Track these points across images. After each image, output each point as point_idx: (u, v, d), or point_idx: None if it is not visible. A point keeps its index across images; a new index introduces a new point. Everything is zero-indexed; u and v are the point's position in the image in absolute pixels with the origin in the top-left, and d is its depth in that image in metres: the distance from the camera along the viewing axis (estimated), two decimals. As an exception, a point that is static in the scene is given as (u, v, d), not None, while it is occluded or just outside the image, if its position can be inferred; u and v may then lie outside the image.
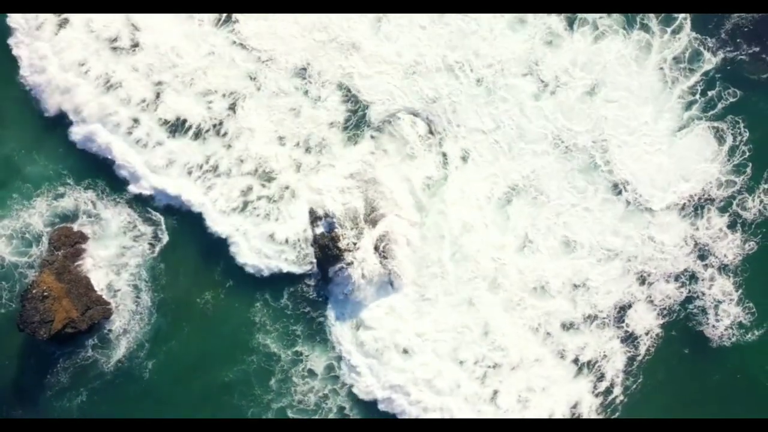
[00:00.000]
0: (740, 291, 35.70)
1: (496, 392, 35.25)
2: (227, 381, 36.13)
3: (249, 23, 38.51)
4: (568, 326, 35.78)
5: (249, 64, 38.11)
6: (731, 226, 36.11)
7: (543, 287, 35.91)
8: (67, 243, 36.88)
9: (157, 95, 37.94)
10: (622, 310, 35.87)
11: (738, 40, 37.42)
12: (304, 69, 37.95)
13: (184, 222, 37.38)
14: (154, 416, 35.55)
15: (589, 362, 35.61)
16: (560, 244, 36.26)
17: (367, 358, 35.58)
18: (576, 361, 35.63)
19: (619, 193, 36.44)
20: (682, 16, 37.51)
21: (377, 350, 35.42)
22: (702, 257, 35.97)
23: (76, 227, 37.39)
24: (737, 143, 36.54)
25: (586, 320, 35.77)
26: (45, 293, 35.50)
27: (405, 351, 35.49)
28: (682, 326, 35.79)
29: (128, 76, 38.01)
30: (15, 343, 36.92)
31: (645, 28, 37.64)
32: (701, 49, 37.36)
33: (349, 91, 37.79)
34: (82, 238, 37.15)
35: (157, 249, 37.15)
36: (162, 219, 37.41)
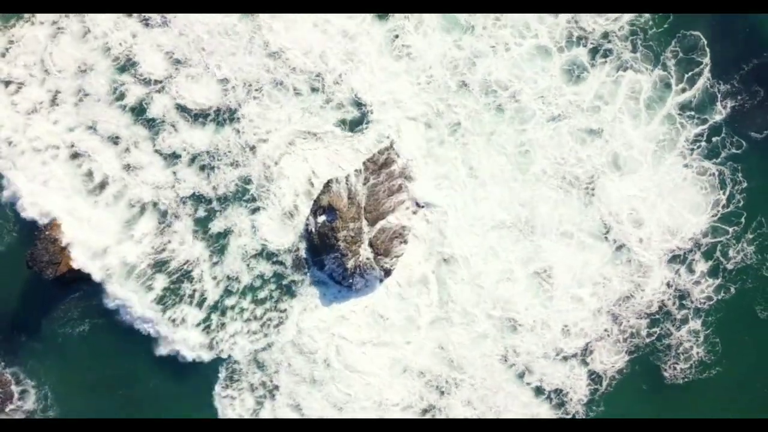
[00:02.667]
0: (708, 330, 36.34)
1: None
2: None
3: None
4: (534, 356, 36.68)
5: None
6: (712, 272, 36.65)
7: (513, 324, 36.79)
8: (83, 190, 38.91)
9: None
10: (589, 345, 36.61)
11: (755, 88, 37.84)
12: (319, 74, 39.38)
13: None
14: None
15: (552, 390, 36.47)
16: (539, 278, 37.03)
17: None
18: (539, 389, 36.54)
19: (607, 233, 37.05)
20: (705, 60, 37.97)
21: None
22: (679, 298, 36.62)
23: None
24: (734, 192, 37.02)
25: (551, 353, 36.61)
26: (55, 237, 37.39)
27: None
28: (646, 361, 36.55)
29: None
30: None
31: (665, 67, 38.21)
32: (716, 92, 37.72)
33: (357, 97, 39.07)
34: (98, 191, 39.04)
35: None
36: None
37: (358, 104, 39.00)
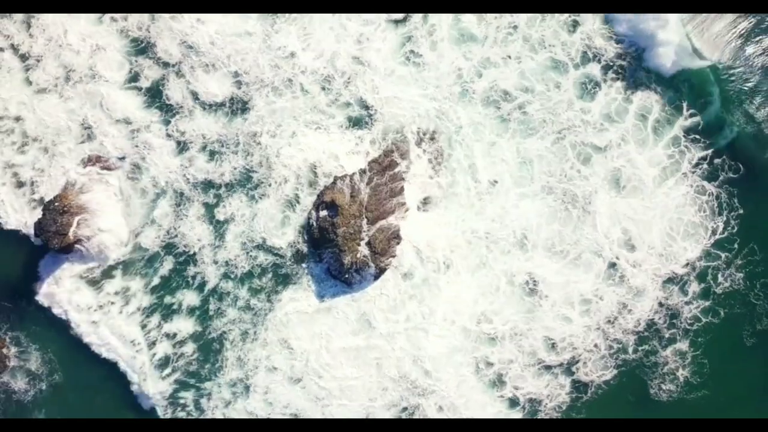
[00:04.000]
0: (696, 352, 36.47)
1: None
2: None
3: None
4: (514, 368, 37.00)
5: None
6: (703, 295, 36.80)
7: (494, 336, 37.18)
8: (94, 168, 39.65)
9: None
10: (576, 358, 36.86)
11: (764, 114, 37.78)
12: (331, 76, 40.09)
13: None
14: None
15: (527, 400, 36.87)
16: (527, 292, 37.40)
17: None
18: (515, 399, 36.88)
19: (601, 252, 37.26)
20: (717, 91, 37.92)
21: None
22: (669, 317, 36.82)
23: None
24: (729, 217, 37.06)
25: (534, 364, 36.98)
26: (65, 208, 38.40)
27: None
28: (633, 374, 36.74)
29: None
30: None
31: (677, 90, 38.29)
32: (726, 116, 37.75)
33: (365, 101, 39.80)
34: (107, 169, 39.84)
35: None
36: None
37: (365, 106, 39.67)
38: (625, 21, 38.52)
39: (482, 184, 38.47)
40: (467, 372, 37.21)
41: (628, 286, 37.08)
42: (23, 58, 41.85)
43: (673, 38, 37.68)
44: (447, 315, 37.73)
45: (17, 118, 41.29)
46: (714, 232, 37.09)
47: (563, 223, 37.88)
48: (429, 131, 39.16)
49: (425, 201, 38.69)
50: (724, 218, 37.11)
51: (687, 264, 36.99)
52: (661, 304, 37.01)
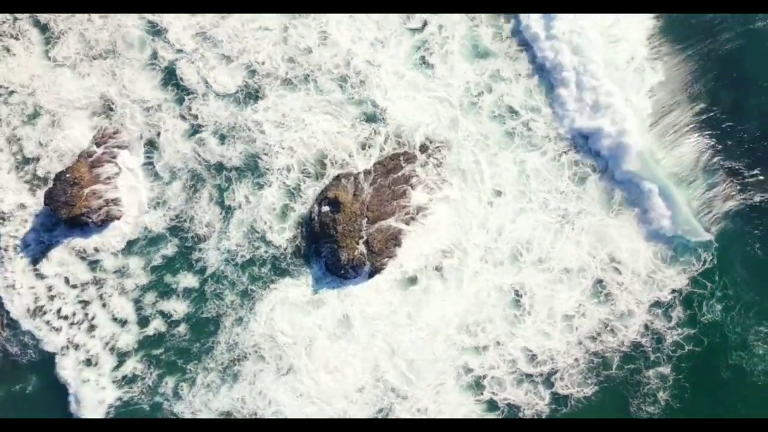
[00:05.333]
0: (679, 376, 36.60)
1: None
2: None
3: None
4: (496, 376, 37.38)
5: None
6: (688, 323, 37.09)
7: (477, 346, 37.59)
8: (108, 143, 40.72)
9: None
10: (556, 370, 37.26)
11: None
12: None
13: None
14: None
15: (508, 404, 37.07)
16: (513, 303, 37.96)
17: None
18: (494, 403, 37.05)
19: (590, 272, 37.92)
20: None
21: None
22: (656, 340, 37.09)
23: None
24: (713, 251, 37.64)
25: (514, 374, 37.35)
26: (76, 180, 39.48)
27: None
28: (616, 390, 36.79)
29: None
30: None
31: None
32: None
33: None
34: (120, 146, 40.92)
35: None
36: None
37: (376, 106, 40.97)
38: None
39: (485, 195, 39.46)
40: (448, 378, 37.65)
41: (612, 308, 37.64)
42: (44, 31, 42.97)
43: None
44: (433, 321, 38.32)
45: (31, 93, 42.65)
46: (700, 260, 37.69)
47: (554, 238, 38.71)
48: (435, 139, 40.26)
49: (426, 206, 39.57)
50: (712, 249, 37.75)
51: (674, 291, 37.57)
52: (647, 327, 37.46)
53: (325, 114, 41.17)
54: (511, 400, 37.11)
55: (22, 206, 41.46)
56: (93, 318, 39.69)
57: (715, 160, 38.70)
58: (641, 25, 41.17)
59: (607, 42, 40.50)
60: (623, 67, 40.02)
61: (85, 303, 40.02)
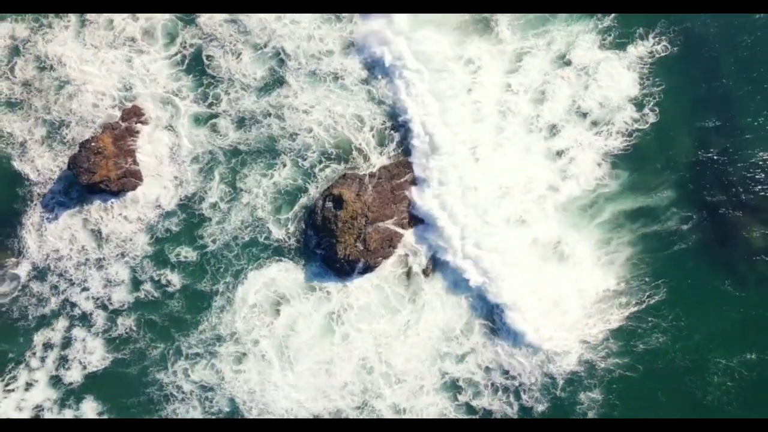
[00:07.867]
0: (611, 398, 37.40)
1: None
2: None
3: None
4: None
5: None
6: (624, 353, 37.90)
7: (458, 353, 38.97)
8: (132, 119, 43.04)
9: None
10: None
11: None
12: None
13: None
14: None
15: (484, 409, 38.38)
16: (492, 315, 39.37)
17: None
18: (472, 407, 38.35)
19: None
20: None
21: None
22: (589, 369, 38.02)
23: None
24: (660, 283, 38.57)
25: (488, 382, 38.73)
26: (100, 149, 41.73)
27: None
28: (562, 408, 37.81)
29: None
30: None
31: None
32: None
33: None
34: (144, 122, 43.33)
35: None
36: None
37: (395, 111, 42.47)
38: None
39: (486, 203, 40.45)
40: (427, 382, 39.16)
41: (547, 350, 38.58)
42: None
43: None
44: (416, 324, 39.85)
45: (66, 65, 45.12)
46: (644, 294, 38.59)
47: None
48: (441, 145, 41.45)
49: (427, 212, 40.78)
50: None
51: (604, 330, 38.34)
52: (579, 361, 38.40)
53: (346, 106, 42.72)
54: (486, 406, 38.50)
55: (47, 168, 43.85)
56: (86, 280, 42.56)
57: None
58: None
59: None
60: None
61: (84, 262, 42.65)
